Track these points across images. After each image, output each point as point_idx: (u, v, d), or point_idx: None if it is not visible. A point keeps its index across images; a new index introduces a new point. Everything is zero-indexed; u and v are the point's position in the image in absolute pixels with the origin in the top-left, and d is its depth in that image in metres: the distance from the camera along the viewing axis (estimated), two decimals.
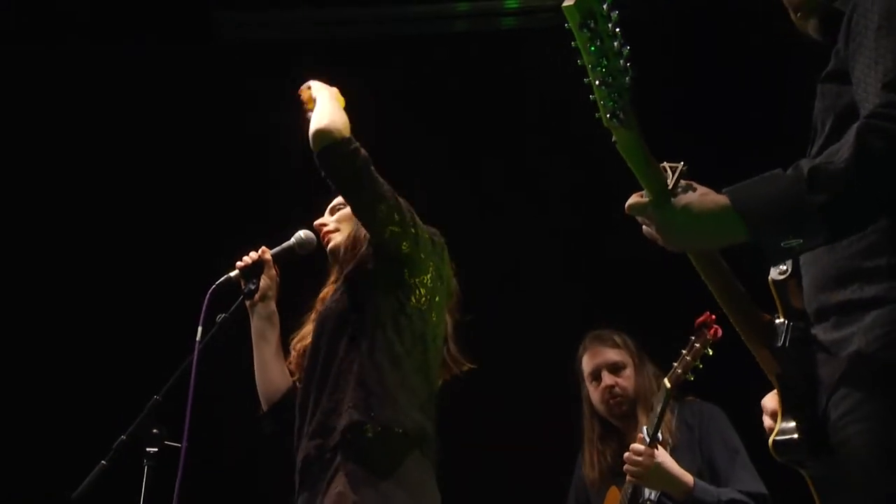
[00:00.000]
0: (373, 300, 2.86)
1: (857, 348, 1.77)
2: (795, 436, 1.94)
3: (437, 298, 2.94)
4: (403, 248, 2.85)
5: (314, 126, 2.86)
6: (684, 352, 3.37)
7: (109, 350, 4.80)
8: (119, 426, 2.85)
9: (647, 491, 3.48)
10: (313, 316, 3.09)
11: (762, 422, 2.09)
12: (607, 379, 3.67)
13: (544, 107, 4.77)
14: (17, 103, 4.95)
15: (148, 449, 2.81)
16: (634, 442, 3.44)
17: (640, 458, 3.37)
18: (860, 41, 1.78)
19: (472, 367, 3.08)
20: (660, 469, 3.37)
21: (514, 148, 5.12)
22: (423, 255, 2.90)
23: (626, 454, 3.40)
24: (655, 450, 3.38)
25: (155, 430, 2.83)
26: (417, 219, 2.94)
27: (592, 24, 1.71)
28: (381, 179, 2.85)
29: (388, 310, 2.85)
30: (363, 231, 2.99)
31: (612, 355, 3.71)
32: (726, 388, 3.69)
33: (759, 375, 2.07)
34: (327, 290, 3.07)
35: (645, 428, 3.43)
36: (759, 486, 3.46)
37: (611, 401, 3.66)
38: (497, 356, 3.88)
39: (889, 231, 1.78)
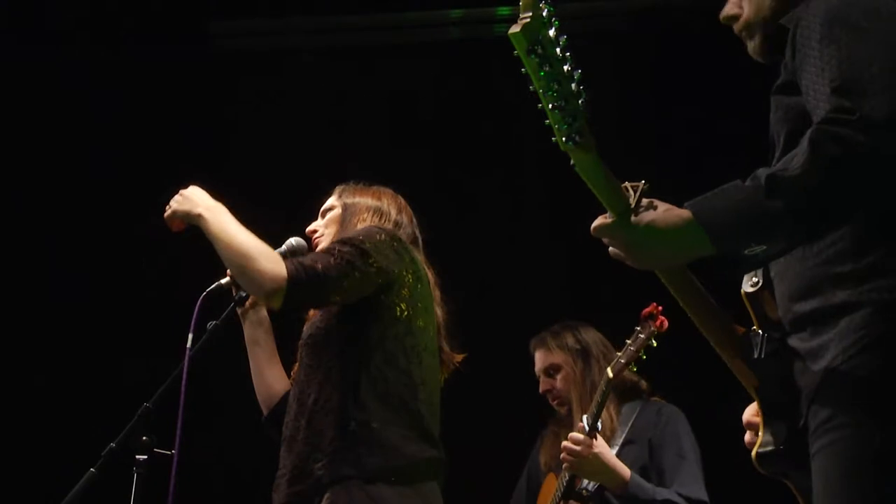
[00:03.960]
0: (354, 329, 2.81)
1: (834, 356, 1.79)
2: (777, 447, 1.95)
3: (419, 304, 2.88)
4: (379, 283, 2.80)
5: (253, 290, 2.76)
6: (629, 342, 3.43)
7: (99, 357, 4.78)
8: (109, 434, 2.83)
9: (584, 480, 3.50)
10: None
11: (732, 432, 2.11)
12: (543, 384, 3.78)
13: (537, 112, 4.76)
14: (10, 109, 4.95)
15: (137, 457, 2.78)
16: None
17: (577, 448, 3.37)
18: (805, 52, 1.83)
19: (465, 356, 3.07)
20: (597, 459, 3.38)
21: (509, 153, 5.12)
22: (395, 271, 2.83)
23: (564, 443, 3.42)
24: (594, 439, 3.39)
25: (145, 438, 2.80)
26: (374, 235, 2.84)
27: (540, 50, 1.73)
28: (326, 266, 2.70)
29: (372, 338, 2.79)
30: (346, 234, 2.97)
31: (548, 358, 3.79)
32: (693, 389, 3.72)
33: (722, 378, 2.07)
34: None
35: (585, 417, 3.43)
36: (699, 493, 3.48)
37: (552, 402, 3.77)
38: (491, 360, 3.89)
39: (853, 236, 1.81)
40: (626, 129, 4.71)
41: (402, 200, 3.12)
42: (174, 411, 2.76)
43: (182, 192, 2.88)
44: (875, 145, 1.67)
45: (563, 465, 3.43)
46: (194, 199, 2.84)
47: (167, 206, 2.88)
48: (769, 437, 1.96)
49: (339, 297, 2.77)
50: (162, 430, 2.82)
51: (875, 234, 1.79)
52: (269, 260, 2.68)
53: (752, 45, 2.07)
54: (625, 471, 3.41)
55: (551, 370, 3.76)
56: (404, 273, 2.86)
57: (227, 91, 5.19)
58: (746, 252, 1.75)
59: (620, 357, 3.44)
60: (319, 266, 2.69)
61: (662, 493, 3.43)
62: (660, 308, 3.40)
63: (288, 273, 2.65)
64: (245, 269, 2.68)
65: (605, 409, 3.61)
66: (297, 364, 3.04)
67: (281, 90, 5.27)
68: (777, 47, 1.97)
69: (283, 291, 2.64)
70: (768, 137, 1.98)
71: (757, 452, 1.98)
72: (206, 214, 2.79)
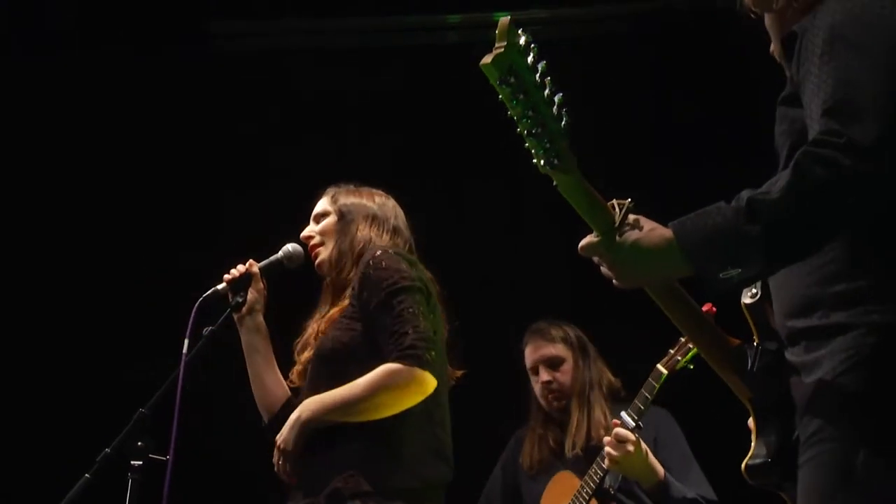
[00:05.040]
0: (377, 347, 2.81)
1: (825, 371, 1.79)
2: (767, 459, 1.96)
3: (438, 324, 2.92)
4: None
5: (410, 403, 2.76)
6: (683, 339, 3.33)
7: (95, 362, 4.77)
8: (104, 439, 2.82)
9: (608, 478, 3.47)
10: (313, 331, 3.04)
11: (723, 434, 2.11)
12: (544, 375, 3.70)
13: None
14: (8, 109, 4.94)
15: (133, 462, 2.78)
16: (573, 429, 3.49)
17: (625, 444, 3.33)
18: (808, 67, 1.82)
19: (464, 372, 3.07)
20: (640, 456, 3.36)
21: (507, 158, 5.11)
22: (430, 292, 2.90)
23: (609, 438, 3.37)
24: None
25: (140, 444, 2.79)
26: (399, 265, 2.85)
27: (513, 80, 1.75)
28: (415, 327, 2.75)
29: None
30: (346, 243, 2.96)
31: (550, 350, 3.73)
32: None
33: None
34: (334, 311, 2.97)
35: (624, 413, 3.39)
36: (711, 493, 3.50)
37: (549, 395, 3.70)
38: (491, 363, 3.88)
39: (845, 258, 1.80)
40: (627, 132, 4.72)
41: (393, 201, 3.13)
42: (170, 417, 2.76)
43: (279, 447, 2.80)
44: (860, 169, 1.66)
45: (605, 463, 3.39)
46: (286, 431, 2.79)
47: (279, 467, 2.80)
48: (760, 449, 1.97)
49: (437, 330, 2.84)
50: (157, 436, 2.81)
51: (867, 256, 1.79)
52: (389, 375, 2.72)
53: (780, 49, 2.04)
54: (661, 469, 3.41)
55: (554, 362, 3.71)
56: (428, 292, 2.90)
57: (226, 92, 5.19)
58: (721, 276, 1.75)
59: (675, 354, 3.34)
60: (411, 330, 2.74)
61: (688, 492, 3.43)
62: (714, 310, 3.35)
63: (410, 365, 2.70)
64: (387, 400, 2.73)
65: (599, 409, 3.59)
66: (296, 371, 3.03)
67: (280, 92, 5.26)
68: (788, 54, 1.95)
69: (425, 377, 2.72)
70: (773, 148, 1.96)
71: (746, 464, 1.99)
72: (306, 415, 2.78)
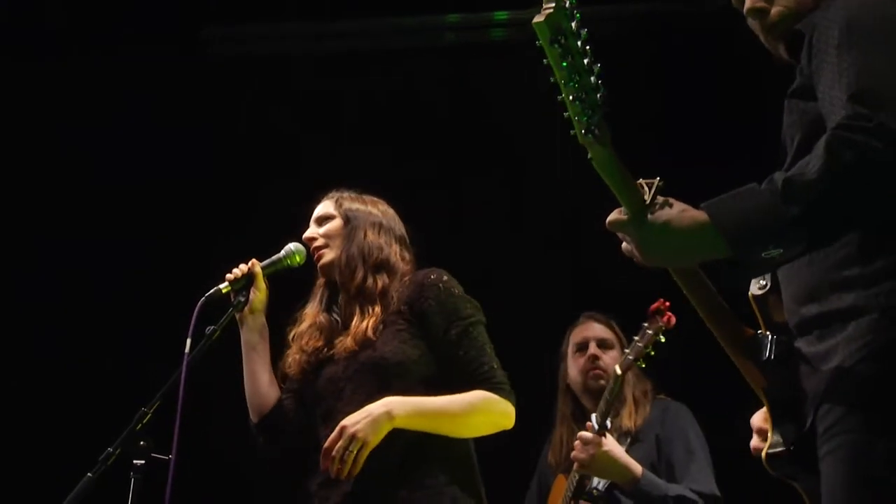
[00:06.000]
0: (433, 364, 2.85)
1: (840, 360, 1.80)
2: (787, 448, 1.96)
3: None
4: None
5: (493, 431, 2.83)
6: (636, 338, 3.42)
7: (97, 362, 4.78)
8: (106, 438, 2.83)
9: (595, 480, 3.48)
10: (316, 326, 3.04)
11: (741, 433, 2.12)
12: (593, 349, 3.72)
13: (535, 118, 4.78)
14: (9, 113, 4.96)
15: (135, 461, 2.78)
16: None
17: (587, 446, 3.36)
18: (822, 58, 1.83)
19: None
20: (607, 457, 3.37)
21: (505, 157, 5.13)
22: None
23: (576, 442, 3.40)
24: (603, 437, 3.38)
25: (142, 443, 2.79)
26: (467, 300, 2.92)
27: (563, 40, 1.72)
28: (493, 358, 2.85)
29: (445, 378, 2.83)
30: (355, 248, 2.97)
31: (603, 332, 3.77)
32: (698, 388, 3.74)
33: (729, 376, 2.08)
34: (370, 320, 2.90)
35: (594, 416, 3.42)
36: (711, 487, 3.49)
37: (591, 371, 3.70)
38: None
39: (861, 241, 1.81)
40: (626, 133, 4.73)
41: (393, 210, 3.14)
42: (172, 416, 2.77)
43: (352, 434, 2.66)
44: (891, 152, 1.68)
45: (574, 466, 3.42)
46: (365, 421, 2.67)
47: (339, 452, 2.65)
48: (778, 438, 1.98)
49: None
50: (160, 435, 2.82)
51: (883, 239, 1.80)
52: (490, 402, 2.78)
53: (782, 47, 2.05)
54: (636, 467, 3.41)
55: (605, 343, 3.74)
56: None
57: (225, 94, 5.20)
58: (763, 255, 1.75)
59: (629, 354, 3.42)
60: (497, 365, 2.84)
61: (674, 489, 3.43)
62: (667, 304, 3.38)
63: (505, 398, 2.79)
64: (480, 423, 2.80)
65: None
66: (295, 359, 3.03)
67: (276, 95, 5.28)
68: (795, 50, 1.97)
69: (513, 413, 2.81)
70: (779, 141, 1.98)
71: (767, 453, 1.99)
72: (398, 411, 2.70)
